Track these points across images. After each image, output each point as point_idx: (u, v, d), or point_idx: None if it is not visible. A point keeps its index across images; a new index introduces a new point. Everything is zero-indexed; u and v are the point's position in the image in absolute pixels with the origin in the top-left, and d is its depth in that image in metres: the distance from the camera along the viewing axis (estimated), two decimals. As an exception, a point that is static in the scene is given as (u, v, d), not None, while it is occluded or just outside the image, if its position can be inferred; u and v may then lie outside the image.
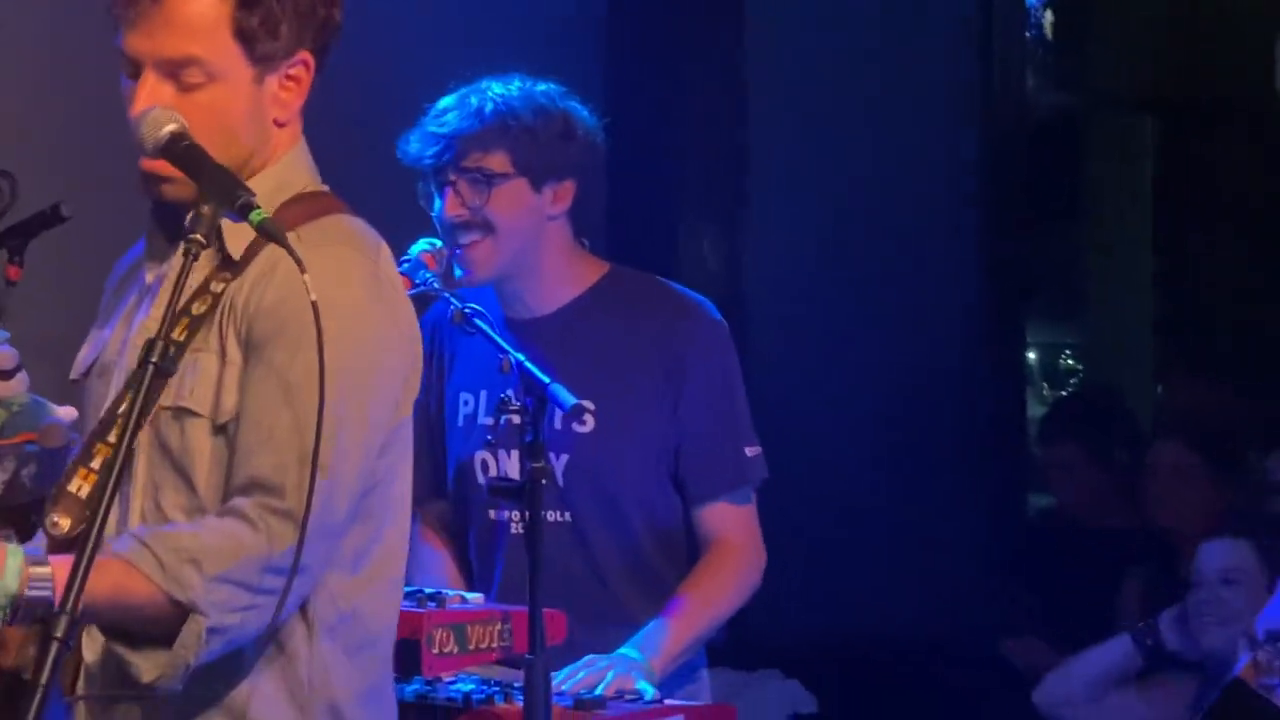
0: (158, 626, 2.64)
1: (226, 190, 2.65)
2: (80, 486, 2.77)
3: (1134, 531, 5.66)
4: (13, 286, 4.36)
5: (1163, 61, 7.43)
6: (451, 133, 3.69)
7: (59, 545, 2.73)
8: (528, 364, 3.32)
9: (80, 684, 2.75)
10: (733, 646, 4.03)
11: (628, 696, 3.44)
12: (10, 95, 4.79)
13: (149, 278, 2.91)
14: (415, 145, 3.72)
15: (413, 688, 3.27)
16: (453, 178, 3.69)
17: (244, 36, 2.77)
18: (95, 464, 2.77)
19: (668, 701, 3.50)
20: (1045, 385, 7.53)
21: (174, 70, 2.76)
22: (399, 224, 3.47)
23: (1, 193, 4.44)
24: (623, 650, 3.57)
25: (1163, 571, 5.46)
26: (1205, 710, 2.41)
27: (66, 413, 3.33)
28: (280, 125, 2.86)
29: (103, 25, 2.88)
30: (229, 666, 2.74)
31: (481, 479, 3.77)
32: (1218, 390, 6.41)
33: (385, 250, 2.93)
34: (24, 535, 3.04)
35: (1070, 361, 7.85)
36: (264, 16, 2.77)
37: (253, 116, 2.82)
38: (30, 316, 3.70)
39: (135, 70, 2.78)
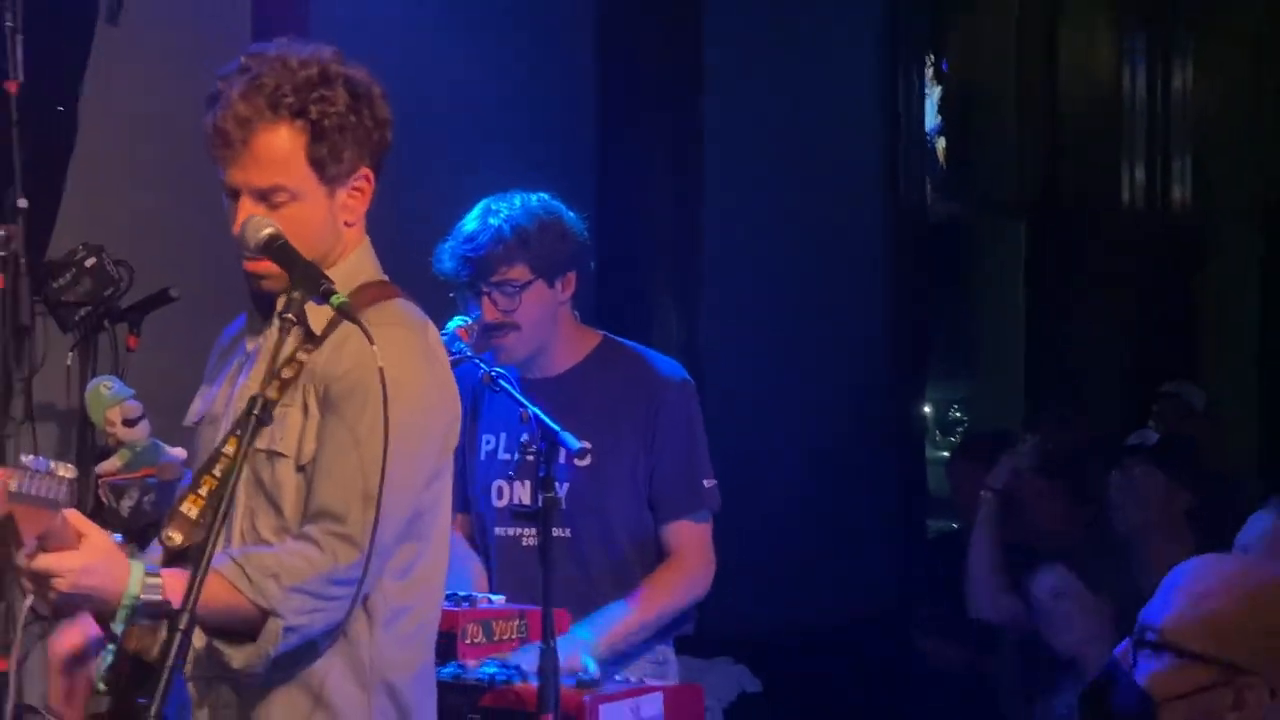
0: (246, 625, 2.66)
1: (312, 280, 2.67)
2: (190, 509, 2.74)
3: (1011, 545, 5.62)
4: (131, 353, 4.42)
5: (1031, 175, 7.49)
6: (481, 255, 3.64)
7: (172, 556, 2.72)
8: (542, 416, 3.31)
9: (189, 666, 2.70)
10: (693, 638, 4.02)
11: (579, 673, 3.37)
12: (133, 197, 4.78)
13: (249, 347, 2.91)
14: (450, 264, 3.67)
15: (448, 670, 3.22)
16: (485, 290, 3.65)
17: (316, 164, 2.78)
18: (203, 491, 2.73)
19: (649, 681, 3.49)
20: (938, 432, 7.55)
21: (264, 195, 2.77)
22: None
23: (121, 279, 4.48)
24: (575, 629, 3.52)
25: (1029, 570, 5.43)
26: (1086, 685, 2.38)
27: (178, 453, 3.36)
28: (349, 225, 2.87)
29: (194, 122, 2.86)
30: (305, 654, 2.74)
31: (496, 502, 3.73)
32: (1072, 434, 6.45)
33: (432, 328, 2.93)
34: (142, 548, 3.04)
35: (958, 413, 7.88)
36: (330, 147, 2.78)
37: (327, 222, 2.83)
38: (148, 377, 3.72)
39: (235, 194, 2.79)
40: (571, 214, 3.77)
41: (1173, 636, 2.16)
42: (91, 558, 2.58)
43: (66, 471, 2.56)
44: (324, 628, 2.72)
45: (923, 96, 6.85)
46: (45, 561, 2.55)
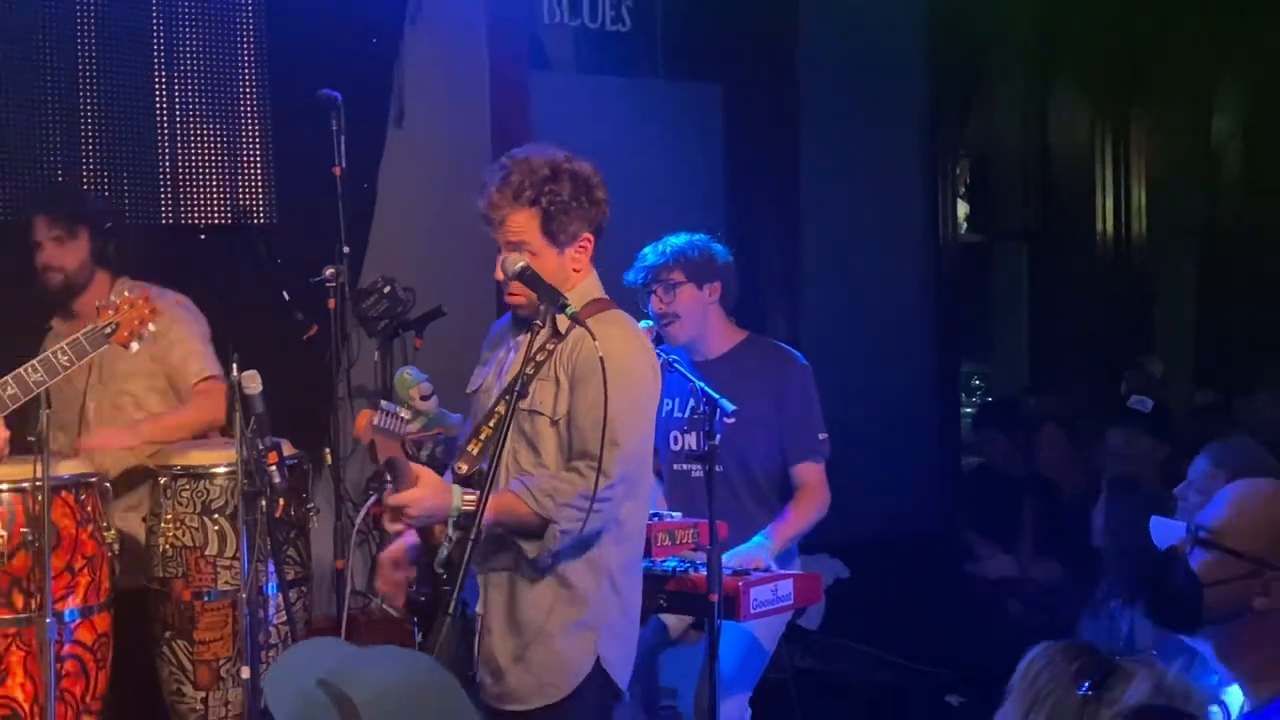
0: (533, 529, 2.72)
1: (553, 298, 2.72)
2: (473, 448, 2.79)
3: (1028, 477, 5.50)
4: (417, 351, 4.51)
5: (1033, 212, 7.42)
6: (651, 265, 3.70)
7: (460, 481, 2.75)
8: (705, 387, 3.35)
9: (478, 562, 2.78)
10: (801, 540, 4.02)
11: (759, 567, 3.45)
12: (414, 243, 4.84)
13: (513, 341, 2.93)
14: (634, 275, 3.70)
15: (645, 564, 3.19)
16: (654, 288, 3.70)
17: (548, 235, 2.79)
18: (482, 437, 2.79)
19: (780, 571, 3.51)
20: (964, 395, 7.47)
21: (515, 248, 2.79)
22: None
23: (409, 300, 4.56)
24: (755, 539, 3.56)
25: (1045, 502, 5.29)
26: (1147, 567, 2.28)
27: (457, 418, 3.44)
28: (577, 271, 2.86)
29: (471, 186, 2.91)
30: (559, 551, 2.75)
31: (673, 447, 3.74)
32: (1074, 395, 6.40)
33: (639, 326, 2.99)
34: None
35: (978, 382, 7.79)
36: (560, 222, 2.78)
37: (560, 269, 2.81)
38: (428, 367, 3.80)
39: (499, 248, 2.82)
40: (719, 246, 3.80)
41: (1219, 536, 2.09)
42: (426, 489, 2.66)
43: (405, 414, 2.64)
44: (586, 532, 2.73)
45: (955, 158, 6.80)
46: (400, 498, 2.64)
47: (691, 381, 3.43)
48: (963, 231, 6.97)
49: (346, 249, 4.13)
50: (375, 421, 2.62)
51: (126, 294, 2.94)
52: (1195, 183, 7.28)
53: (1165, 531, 2.60)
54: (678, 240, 3.74)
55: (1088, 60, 7.09)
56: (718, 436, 3.32)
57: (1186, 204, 7.29)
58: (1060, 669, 1.59)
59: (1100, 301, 7.14)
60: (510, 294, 2.83)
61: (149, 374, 3.78)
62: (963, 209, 7.06)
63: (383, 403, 2.67)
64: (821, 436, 3.75)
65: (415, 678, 1.48)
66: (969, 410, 6.93)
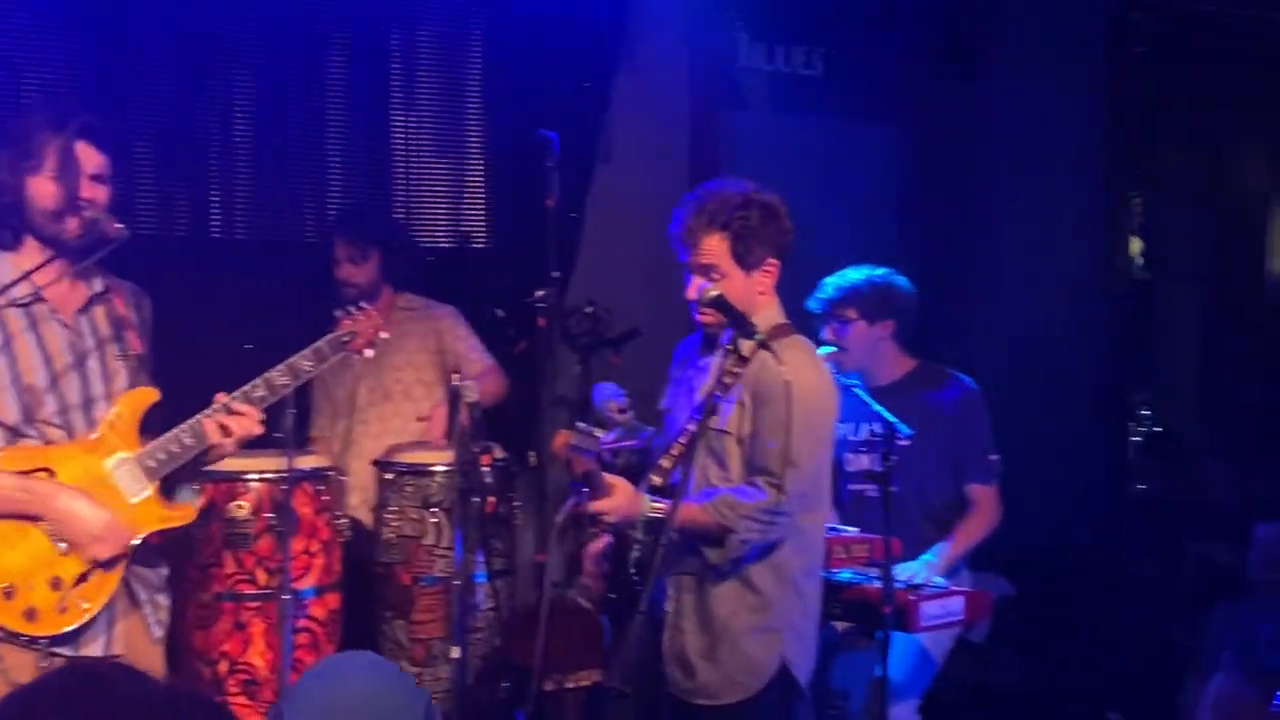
0: (715, 537, 2.73)
1: (742, 324, 2.71)
2: (666, 463, 2.78)
3: (1190, 506, 5.28)
4: (614, 367, 4.51)
5: (1205, 249, 7.02)
6: (829, 298, 3.65)
7: (654, 492, 2.76)
8: (883, 411, 3.29)
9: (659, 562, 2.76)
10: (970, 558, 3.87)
11: (931, 583, 3.38)
12: (614, 270, 4.82)
13: (701, 361, 2.94)
14: (814, 304, 3.66)
15: (822, 575, 3.21)
16: (828, 321, 3.65)
17: (737, 258, 2.79)
18: (674, 453, 2.78)
19: (951, 586, 3.42)
20: (1132, 424, 7.10)
21: (705, 271, 2.80)
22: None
23: (609, 319, 4.58)
24: (925, 556, 3.51)
25: (1206, 530, 5.07)
26: None
27: (650, 430, 3.42)
28: (762, 295, 2.86)
29: (668, 217, 2.89)
30: (745, 557, 2.75)
31: (848, 468, 3.68)
32: (1239, 430, 6.04)
33: (815, 350, 2.95)
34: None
35: (1145, 412, 7.40)
36: (748, 246, 2.79)
37: (746, 291, 2.82)
38: (625, 382, 3.78)
39: (689, 271, 2.82)
40: (901, 280, 3.69)
41: None
42: (620, 498, 2.66)
43: (599, 432, 2.64)
44: (765, 542, 2.72)
45: (1129, 201, 6.49)
46: (600, 505, 2.65)
47: (868, 405, 3.35)
48: (1135, 267, 6.65)
49: (556, 273, 4.16)
50: (572, 441, 2.63)
51: (365, 305, 3.02)
52: None
53: None
54: (857, 276, 3.67)
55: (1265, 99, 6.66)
56: (893, 458, 3.25)
57: None
58: None
59: (1270, 339, 6.69)
60: (702, 314, 2.84)
61: (418, 366, 4.02)
62: (1136, 245, 6.73)
63: (578, 424, 2.68)
64: (992, 458, 3.67)
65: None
66: (1136, 439, 6.60)
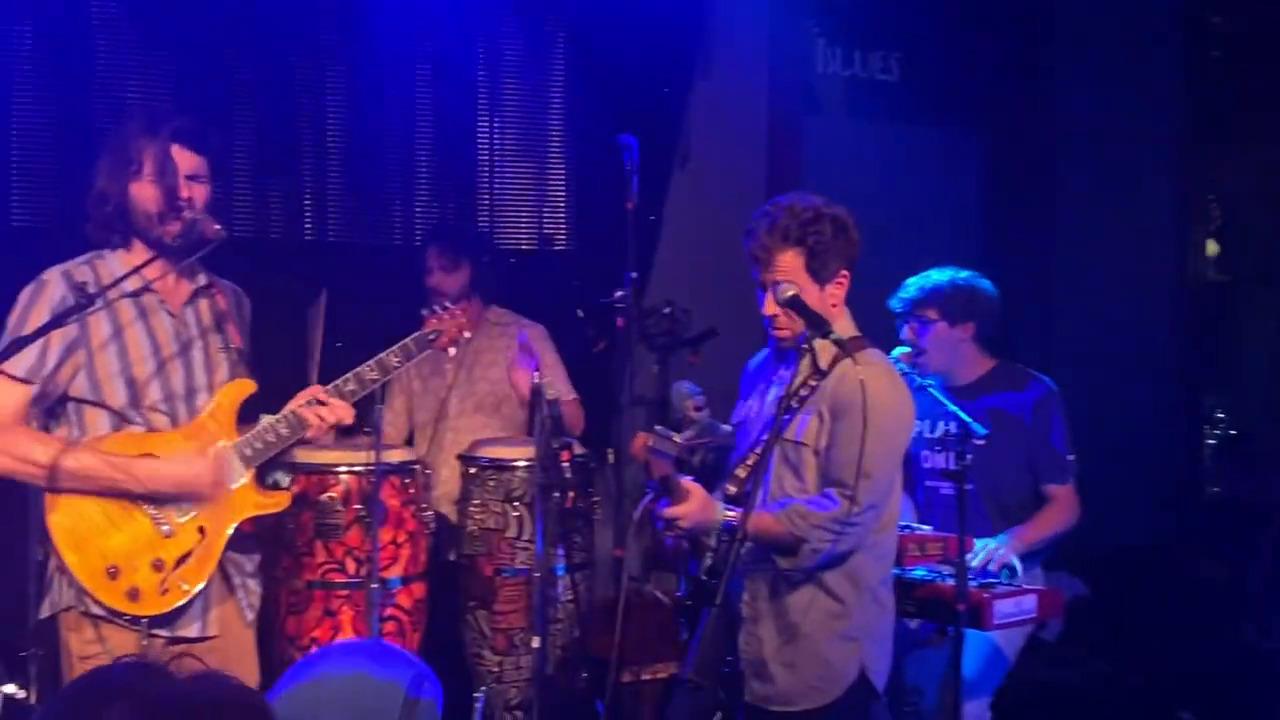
0: (787, 546, 2.67)
1: (819, 325, 2.64)
2: (741, 473, 2.76)
3: (1265, 507, 5.11)
4: (692, 366, 4.45)
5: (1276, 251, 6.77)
6: (910, 298, 3.56)
7: (730, 501, 2.72)
8: (959, 410, 3.18)
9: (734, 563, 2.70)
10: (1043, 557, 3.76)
11: (1009, 563, 3.27)
12: (692, 272, 4.79)
13: (775, 375, 2.87)
14: (895, 303, 3.58)
15: (895, 572, 3.13)
16: (909, 322, 3.56)
17: (810, 271, 2.73)
18: (749, 462, 2.76)
19: (1024, 584, 3.30)
20: (1207, 426, 6.88)
21: (778, 286, 2.75)
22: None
23: (686, 319, 4.51)
24: (998, 537, 3.40)
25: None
26: None
27: (726, 428, 3.36)
28: (834, 306, 2.79)
29: (734, 229, 2.85)
30: (820, 565, 2.69)
31: (925, 465, 3.58)
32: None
33: (891, 363, 2.87)
34: (708, 489, 3.01)
35: (1221, 415, 7.16)
36: (821, 261, 2.72)
37: (821, 304, 2.74)
38: (703, 381, 3.74)
39: (763, 287, 2.76)
40: (985, 282, 3.59)
41: None
42: (694, 504, 2.61)
43: (677, 436, 2.59)
44: (837, 552, 2.66)
45: (1205, 205, 6.29)
46: (674, 511, 2.60)
47: (944, 404, 3.26)
48: (1211, 270, 6.43)
49: (634, 274, 4.12)
50: (650, 444, 2.59)
51: (449, 305, 3.01)
52: None
53: None
54: (941, 277, 3.57)
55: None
56: (969, 457, 3.16)
57: None
58: None
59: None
60: (777, 328, 2.78)
61: (506, 379, 4.02)
62: (1213, 247, 6.50)
63: (657, 427, 2.64)
64: (1070, 458, 3.54)
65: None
66: (1211, 442, 6.39)
